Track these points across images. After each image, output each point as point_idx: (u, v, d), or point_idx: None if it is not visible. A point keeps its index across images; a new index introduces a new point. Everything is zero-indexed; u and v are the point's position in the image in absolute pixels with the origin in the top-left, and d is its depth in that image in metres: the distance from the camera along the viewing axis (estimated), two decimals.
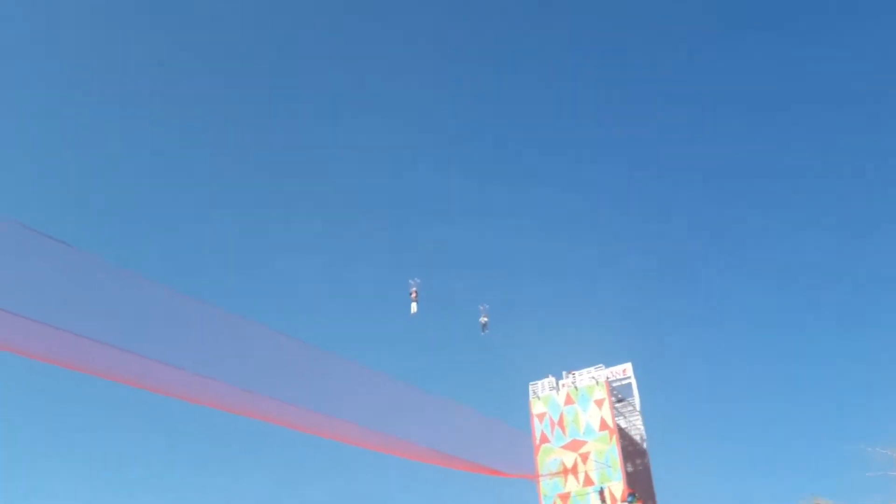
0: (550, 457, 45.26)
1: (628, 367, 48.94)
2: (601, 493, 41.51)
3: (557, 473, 44.27)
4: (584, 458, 43.94)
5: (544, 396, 47.82)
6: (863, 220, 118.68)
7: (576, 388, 47.06)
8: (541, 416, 47.15)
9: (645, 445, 48.13)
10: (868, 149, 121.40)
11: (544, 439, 46.15)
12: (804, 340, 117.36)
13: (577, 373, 48.47)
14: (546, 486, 44.34)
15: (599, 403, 45.54)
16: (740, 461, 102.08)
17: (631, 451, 46.67)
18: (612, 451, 43.30)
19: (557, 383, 48.32)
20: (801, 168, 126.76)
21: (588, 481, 43.02)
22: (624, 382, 48.70)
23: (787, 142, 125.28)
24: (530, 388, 48.98)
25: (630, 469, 44.50)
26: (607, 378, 47.12)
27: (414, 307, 33.63)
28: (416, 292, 33.76)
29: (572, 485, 43.47)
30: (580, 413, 45.76)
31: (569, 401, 46.75)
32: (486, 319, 36.79)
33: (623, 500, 40.12)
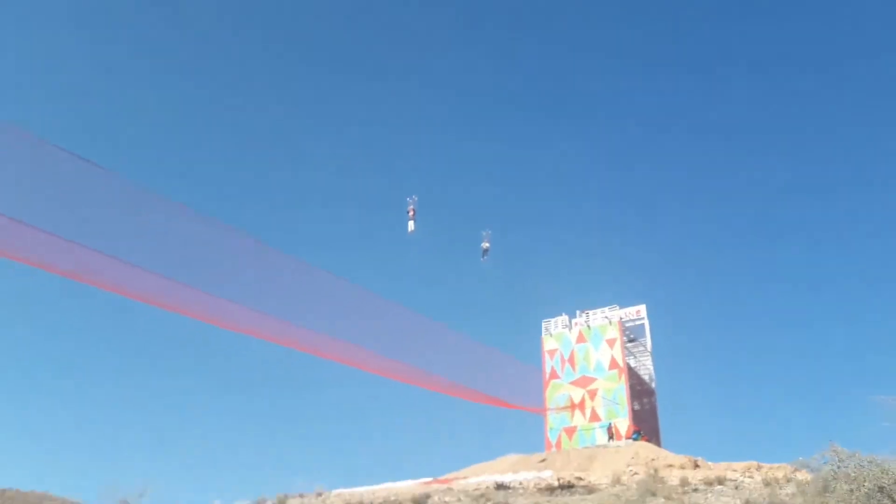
0: (559, 392, 46.48)
1: (642, 308, 49.51)
2: (609, 428, 42.74)
3: (565, 408, 45.54)
4: (592, 394, 45.07)
5: (557, 334, 48.69)
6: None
7: (588, 326, 47.80)
8: (552, 353, 48.14)
9: (653, 385, 49.16)
10: None
11: (554, 375, 47.26)
12: (823, 290, 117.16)
13: (590, 312, 49.13)
14: (553, 420, 45.72)
15: (611, 343, 46.32)
16: (749, 406, 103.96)
17: (639, 390, 47.75)
18: (621, 389, 44.34)
19: (570, 322, 49.08)
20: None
21: (594, 417, 44.26)
22: (637, 323, 49.37)
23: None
24: (543, 325, 49.85)
25: (637, 407, 45.62)
26: (620, 318, 47.75)
27: (411, 225, 33.06)
28: (413, 210, 32.93)
29: (579, 419, 44.78)
30: (591, 351, 46.65)
31: (581, 339, 47.59)
32: (487, 245, 36.10)
33: (628, 437, 41.37)
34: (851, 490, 9.28)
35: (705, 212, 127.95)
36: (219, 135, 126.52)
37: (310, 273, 27.61)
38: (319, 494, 32.18)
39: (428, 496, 27.45)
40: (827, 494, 13.22)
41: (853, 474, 9.23)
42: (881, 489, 8.90)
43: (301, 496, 31.96)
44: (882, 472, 8.77)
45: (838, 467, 9.42)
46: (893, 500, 8.69)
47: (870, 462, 9.13)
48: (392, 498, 28.51)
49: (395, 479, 37.12)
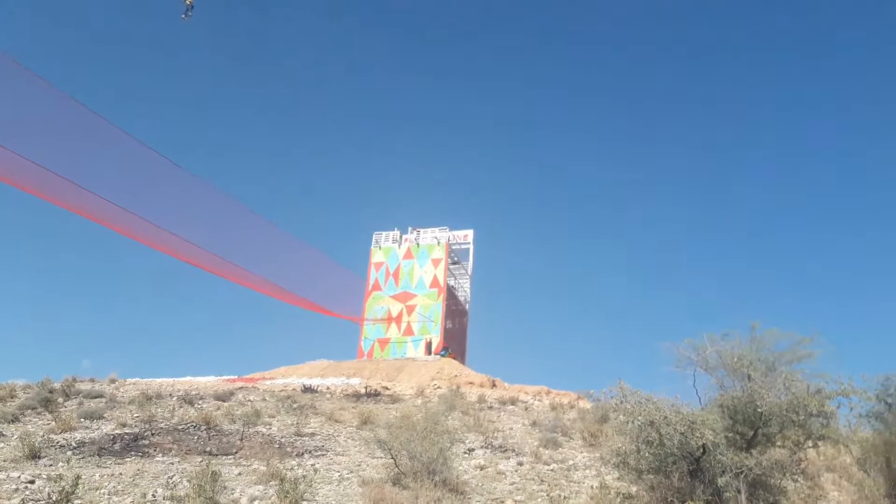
0: (379, 303, 47.42)
1: (470, 233, 51.24)
2: (426, 342, 44.63)
3: (382, 319, 46.67)
4: (410, 309, 46.53)
5: (385, 248, 49.21)
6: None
7: (417, 244, 48.78)
8: (378, 265, 48.72)
9: (467, 307, 51.69)
10: None
11: (377, 287, 48.01)
12: (635, 239, 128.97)
13: (421, 230, 50.06)
14: (368, 330, 46.74)
15: (436, 262, 47.75)
16: (548, 336, 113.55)
17: (454, 310, 49.99)
18: (438, 307, 46.16)
19: (401, 237, 49.74)
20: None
21: (409, 331, 45.88)
22: (463, 247, 51.12)
23: None
24: (374, 237, 50.07)
25: (449, 326, 47.84)
26: (448, 240, 49.16)
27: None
28: None
29: (393, 332, 46.19)
30: (416, 268, 47.83)
31: (408, 255, 48.52)
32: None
33: (437, 353, 43.43)
34: (627, 421, 10.39)
35: (540, 152, 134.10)
36: None
37: (132, 145, 25.01)
38: (113, 381, 30.52)
39: (231, 393, 27.03)
40: (605, 423, 14.75)
41: (630, 408, 10.28)
42: (651, 423, 10.03)
43: (92, 381, 30.14)
44: (655, 409, 9.86)
45: (621, 402, 10.46)
46: (660, 433, 9.83)
47: (647, 399, 10.23)
48: (193, 391, 27.74)
49: (197, 375, 36.25)
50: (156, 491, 11.31)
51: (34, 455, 13.05)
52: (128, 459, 14.21)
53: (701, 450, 10.16)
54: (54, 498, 9.46)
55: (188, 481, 11.33)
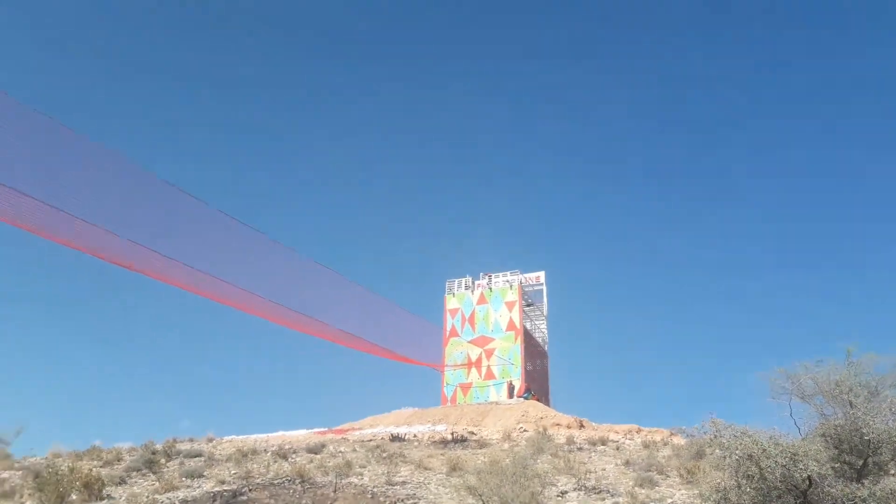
0: (458, 349, 47.56)
1: (542, 275, 51.09)
2: (509, 384, 44.39)
3: (462, 365, 46.71)
4: (489, 353, 46.43)
5: (459, 294, 49.58)
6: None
7: (490, 289, 48.94)
8: (453, 312, 49.05)
9: (546, 348, 51.14)
10: None
11: (454, 333, 48.25)
12: (711, 270, 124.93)
13: (493, 275, 50.29)
14: (450, 376, 46.83)
15: (510, 305, 47.66)
16: (633, 373, 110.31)
17: (533, 351, 49.52)
18: (516, 349, 45.88)
19: (473, 283, 50.09)
20: None
21: (490, 375, 45.69)
22: (536, 288, 50.94)
23: None
24: (447, 285, 50.62)
25: (530, 367, 47.36)
26: (521, 283, 49.10)
27: None
28: None
29: (474, 377, 46.10)
30: (491, 312, 47.86)
31: (482, 300, 48.67)
32: None
33: (519, 395, 42.99)
34: (724, 457, 10.09)
35: (604, 187, 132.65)
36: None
37: (210, 215, 26.41)
38: (210, 440, 31.66)
39: (323, 445, 27.57)
40: (701, 459, 14.30)
41: (727, 443, 9.99)
42: (750, 457, 9.71)
43: (191, 440, 31.36)
44: (753, 442, 9.55)
45: (715, 436, 10.18)
46: (759, 467, 9.50)
47: (743, 433, 9.93)
48: (286, 446, 28.44)
49: (288, 429, 37.12)
50: None
51: None
52: None
53: (807, 482, 9.73)
54: None
55: None
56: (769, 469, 9.53)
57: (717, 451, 10.47)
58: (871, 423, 9.60)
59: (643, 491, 17.52)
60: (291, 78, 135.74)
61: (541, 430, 31.29)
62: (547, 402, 45.46)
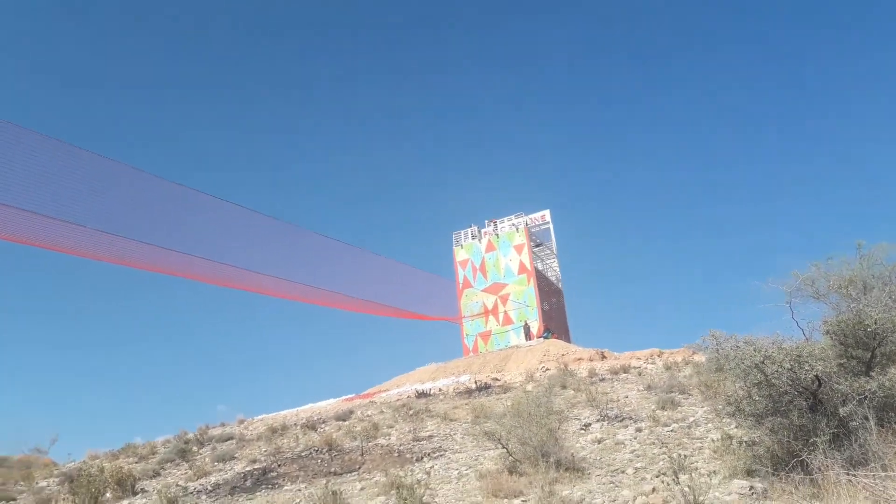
0: (473, 300, 47.72)
1: (546, 213, 50.76)
2: (525, 326, 44.56)
3: (479, 315, 46.93)
4: (504, 299, 46.54)
5: (467, 245, 49.48)
6: None
7: (497, 235, 48.75)
8: (464, 263, 49.05)
9: (560, 285, 51.15)
10: None
11: (467, 284, 48.34)
12: (705, 188, 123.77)
13: (497, 221, 50.03)
14: (468, 327, 47.12)
15: (519, 249, 47.54)
16: (647, 298, 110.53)
17: (547, 290, 49.59)
18: (530, 291, 45.95)
19: (479, 231, 49.88)
20: None
21: (507, 320, 45.88)
22: (542, 228, 50.70)
23: None
24: (453, 237, 50.49)
25: (546, 307, 47.49)
26: (526, 224, 48.86)
27: None
28: None
29: (492, 324, 46.33)
30: (500, 258, 47.80)
31: (490, 248, 48.56)
32: None
33: (539, 336, 43.20)
34: (729, 368, 10.00)
35: (605, 115, 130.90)
36: None
37: (203, 199, 26.31)
38: (241, 422, 32.21)
39: (351, 412, 27.93)
40: (720, 373, 14.22)
41: (732, 354, 9.88)
42: (756, 365, 9.60)
43: (223, 425, 31.92)
44: (755, 351, 9.43)
45: (717, 350, 10.07)
46: (765, 374, 9.41)
47: (746, 342, 9.80)
48: (315, 417, 28.86)
49: (317, 401, 37.68)
50: None
51: None
52: (258, 493, 14.95)
53: (816, 382, 9.62)
54: None
55: None
56: (775, 374, 9.43)
57: (731, 363, 10.35)
58: (872, 313, 9.42)
59: (665, 413, 17.57)
60: (284, 27, 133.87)
61: (563, 366, 31.48)
62: (567, 339, 45.71)
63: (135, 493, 16.54)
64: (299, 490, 14.88)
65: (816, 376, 9.46)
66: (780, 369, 9.45)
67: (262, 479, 17.03)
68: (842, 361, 9.82)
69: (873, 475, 7.72)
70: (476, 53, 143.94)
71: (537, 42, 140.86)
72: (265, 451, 21.37)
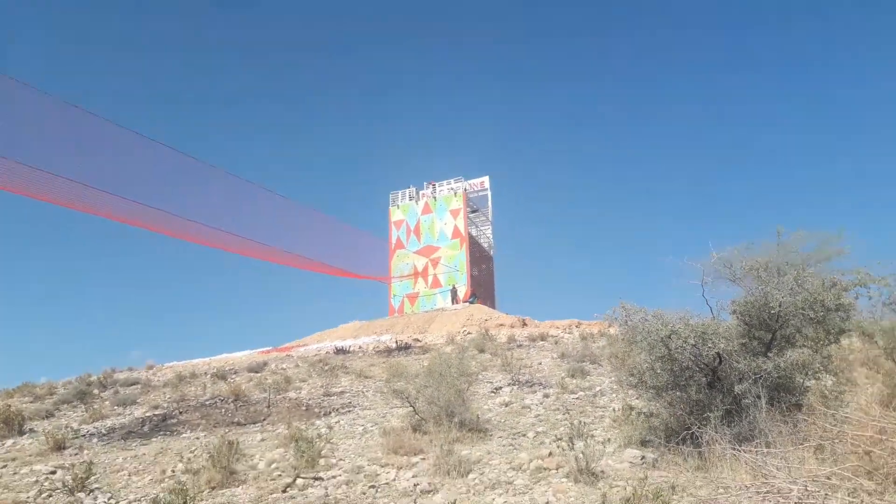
0: (404, 261, 47.38)
1: (486, 179, 50.59)
2: (453, 290, 44.59)
3: (409, 276, 46.68)
4: (435, 262, 46.40)
5: (403, 205, 48.92)
6: None
7: (434, 198, 48.35)
8: (398, 224, 48.55)
9: (491, 252, 51.35)
10: None
11: (399, 245, 47.92)
12: (647, 163, 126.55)
13: (437, 184, 49.59)
14: (397, 287, 46.85)
15: (455, 213, 47.33)
16: (572, 269, 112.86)
17: (478, 256, 49.71)
18: (461, 256, 45.92)
19: (418, 193, 49.37)
20: None
21: (436, 283, 45.83)
22: (480, 194, 50.54)
23: None
24: (391, 196, 49.82)
25: (475, 273, 47.63)
26: (465, 189, 48.60)
27: None
28: None
29: (421, 286, 46.19)
30: (436, 221, 47.51)
31: (426, 210, 48.16)
32: None
33: (465, 300, 43.38)
34: (636, 340, 10.04)
35: (548, 89, 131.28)
36: None
37: (133, 140, 24.94)
38: (150, 367, 31.18)
39: (265, 364, 27.35)
40: (632, 346, 14.39)
41: (640, 327, 9.91)
42: (661, 340, 9.65)
43: (131, 370, 30.81)
44: (662, 325, 9.46)
45: (626, 321, 10.08)
46: (669, 348, 9.46)
47: (654, 316, 9.83)
48: (228, 367, 28.15)
49: (234, 352, 36.81)
50: (175, 466, 11.38)
51: (59, 447, 13.25)
52: (154, 440, 14.39)
53: (717, 359, 9.76)
54: (70, 485, 9.53)
55: (207, 453, 11.34)
56: (679, 349, 9.51)
57: (635, 336, 10.39)
58: (776, 296, 9.57)
59: (574, 381, 17.82)
60: None
61: (484, 331, 31.66)
62: (492, 305, 46.06)
63: (21, 433, 15.66)
64: (197, 438, 14.39)
65: (718, 353, 9.59)
66: (684, 344, 9.52)
67: (160, 425, 16.41)
68: (744, 341, 9.99)
69: (756, 451, 7.84)
70: (426, 20, 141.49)
71: (480, 9, 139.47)
72: (170, 398, 20.67)
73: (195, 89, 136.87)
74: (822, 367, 10.04)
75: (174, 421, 16.64)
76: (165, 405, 19.22)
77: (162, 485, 9.91)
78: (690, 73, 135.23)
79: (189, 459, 11.65)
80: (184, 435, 14.91)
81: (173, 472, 11.03)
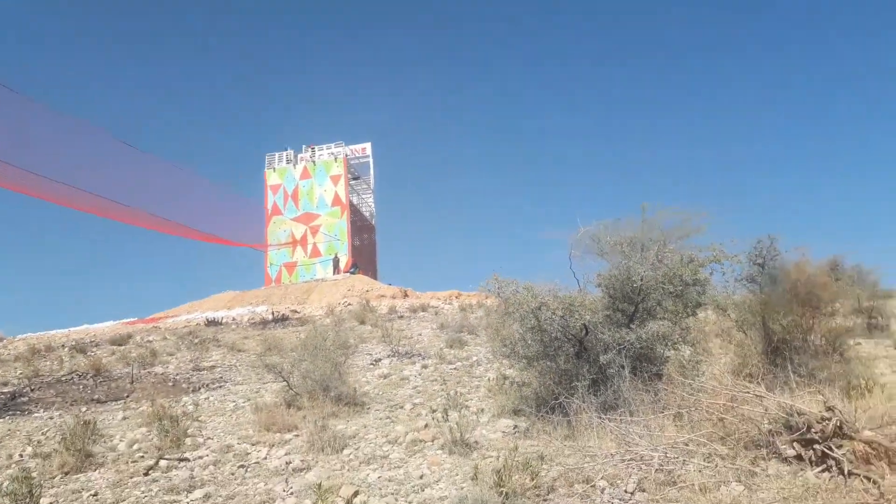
0: (281, 228, 46.03)
1: (368, 146, 49.97)
2: (335, 260, 43.87)
3: (286, 244, 45.46)
4: (314, 230, 45.44)
5: (280, 169, 47.34)
6: None
7: (314, 163, 47.12)
8: (275, 188, 46.97)
9: (373, 222, 51.00)
10: None
11: (276, 211, 46.46)
12: (529, 135, 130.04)
13: (316, 147, 48.30)
14: (273, 256, 45.51)
15: (335, 180, 46.42)
16: (455, 242, 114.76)
17: (360, 226, 49.26)
18: (342, 224, 45.25)
19: (296, 157, 47.88)
20: None
21: (315, 253, 44.96)
22: (362, 161, 49.93)
23: None
24: (266, 159, 48.01)
25: (357, 243, 47.23)
26: (346, 155, 47.73)
27: None
28: None
29: (299, 255, 45.14)
30: (315, 187, 46.40)
31: (305, 175, 46.90)
32: None
33: (346, 271, 42.91)
34: (508, 312, 10.28)
35: (435, 55, 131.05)
36: None
37: None
38: (0, 340, 28.56)
39: (129, 336, 25.80)
40: (508, 317, 14.77)
41: (512, 298, 10.13)
42: (532, 311, 9.93)
43: None
44: (532, 297, 9.72)
45: (499, 292, 10.28)
46: (538, 320, 9.75)
47: (525, 288, 10.07)
48: (88, 339, 26.31)
49: (95, 323, 34.48)
50: (24, 450, 10.48)
51: None
52: (0, 420, 13.18)
53: (583, 330, 10.18)
54: None
55: (60, 435, 10.52)
56: (548, 321, 9.84)
57: (508, 307, 10.63)
58: (638, 270, 10.10)
59: (452, 351, 18.13)
60: None
61: (364, 302, 31.50)
62: (374, 276, 45.93)
63: None
64: (51, 418, 13.33)
65: (584, 325, 10.00)
66: (552, 316, 9.85)
67: (9, 403, 15.08)
68: (608, 313, 10.47)
69: (621, 419, 8.28)
70: None
71: None
72: (21, 373, 19.01)
73: (54, 31, 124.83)
74: (680, 339, 10.75)
75: (25, 399, 15.34)
76: (16, 382, 17.67)
77: (8, 471, 9.07)
78: (579, 36, 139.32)
79: (39, 442, 10.77)
80: (36, 414, 13.77)
81: (21, 456, 10.15)
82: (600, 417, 8.54)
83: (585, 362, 10.21)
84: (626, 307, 10.78)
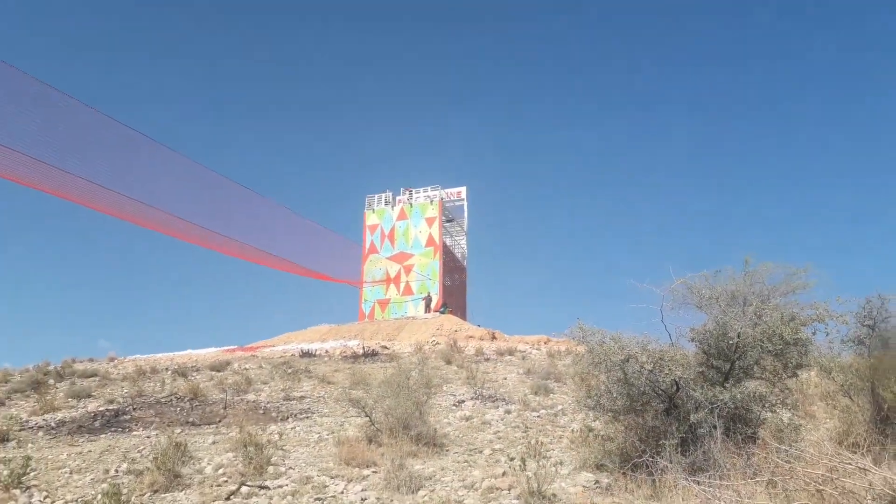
0: (376, 266, 47.13)
1: (463, 190, 50.62)
2: (426, 298, 44.41)
3: (381, 281, 46.43)
4: (408, 269, 46.22)
5: (379, 210, 48.72)
6: None
7: (410, 204, 48.23)
8: (373, 228, 48.31)
9: (465, 263, 51.32)
10: None
11: (373, 249, 47.68)
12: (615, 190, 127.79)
13: (414, 190, 49.49)
14: (368, 292, 46.56)
15: (430, 221, 47.23)
16: (544, 285, 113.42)
17: (451, 266, 49.63)
18: (435, 265, 45.81)
19: (394, 199, 49.22)
20: None
21: (408, 290, 45.64)
22: (457, 204, 50.56)
23: None
24: (366, 200, 49.58)
25: (448, 283, 47.53)
26: (441, 198, 48.56)
27: None
28: None
29: (392, 292, 45.96)
30: (411, 228, 47.37)
31: (402, 216, 48.01)
32: None
33: (436, 310, 43.21)
34: (594, 363, 9.99)
35: (530, 103, 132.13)
36: None
37: (113, 129, 24.46)
38: (112, 360, 30.55)
39: (228, 363, 26.92)
40: (595, 366, 14.43)
41: (598, 349, 9.86)
42: (618, 364, 9.62)
43: (91, 360, 30.16)
44: (620, 349, 9.43)
45: (583, 341, 10.03)
46: (625, 373, 9.44)
47: (612, 339, 9.79)
48: (190, 364, 27.66)
49: (198, 348, 36.24)
50: (120, 466, 11.06)
51: (2, 439, 12.83)
52: (103, 436, 14.01)
53: (674, 386, 9.74)
54: (5, 481, 9.19)
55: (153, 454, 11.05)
56: (635, 375, 9.48)
57: (591, 357, 10.35)
58: (735, 326, 9.60)
59: (537, 398, 17.76)
60: None
61: (452, 342, 31.52)
62: (463, 316, 45.96)
63: None
64: (148, 437, 14.03)
65: (675, 381, 9.57)
66: (640, 370, 9.50)
67: (112, 420, 16.01)
68: (702, 370, 9.98)
69: (709, 482, 7.81)
70: (413, 20, 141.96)
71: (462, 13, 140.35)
72: (126, 392, 20.21)
73: (173, 83, 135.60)
74: (779, 401, 10.09)
75: (127, 417, 16.25)
76: (121, 400, 18.78)
77: (102, 485, 9.59)
78: (680, 75, 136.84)
79: (134, 459, 11.34)
80: (135, 433, 14.55)
81: (116, 472, 10.71)
82: (687, 479, 8.09)
83: (675, 420, 9.74)
84: (721, 364, 10.25)
